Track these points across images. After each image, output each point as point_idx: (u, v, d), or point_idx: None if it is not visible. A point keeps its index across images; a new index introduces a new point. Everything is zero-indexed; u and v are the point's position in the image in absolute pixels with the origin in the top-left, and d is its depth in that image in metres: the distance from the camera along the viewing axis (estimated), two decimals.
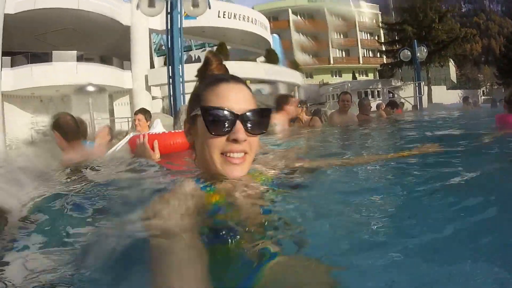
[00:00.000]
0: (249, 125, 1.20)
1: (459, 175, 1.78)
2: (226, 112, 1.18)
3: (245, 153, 1.23)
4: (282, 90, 27.00)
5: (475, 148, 3.02)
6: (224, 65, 1.32)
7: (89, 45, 23.03)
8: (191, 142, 1.34)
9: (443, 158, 2.18)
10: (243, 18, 25.98)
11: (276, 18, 48.74)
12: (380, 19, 48.79)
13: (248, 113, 1.19)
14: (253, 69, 25.50)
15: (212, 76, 1.32)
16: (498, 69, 47.64)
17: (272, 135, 4.68)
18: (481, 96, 38.89)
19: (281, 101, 5.18)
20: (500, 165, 2.30)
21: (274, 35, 33.00)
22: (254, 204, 1.26)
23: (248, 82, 26.79)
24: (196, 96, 1.29)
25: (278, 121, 4.91)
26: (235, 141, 1.19)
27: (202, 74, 1.34)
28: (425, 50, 23.12)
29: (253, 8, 33.89)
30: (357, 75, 48.37)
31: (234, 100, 1.21)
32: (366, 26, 52.64)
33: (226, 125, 1.19)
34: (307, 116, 6.52)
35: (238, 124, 1.19)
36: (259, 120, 1.24)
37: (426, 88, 31.96)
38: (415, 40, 24.06)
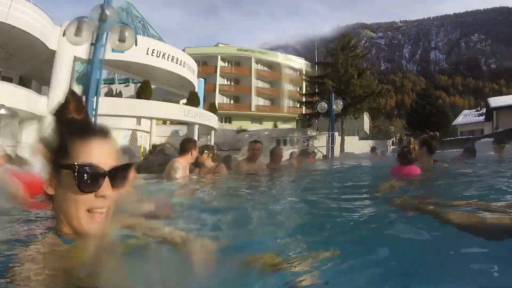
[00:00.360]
0: (115, 180, 1.22)
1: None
2: (96, 169, 1.19)
3: (108, 208, 1.25)
4: (198, 132, 27.52)
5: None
6: (84, 107, 1.30)
7: (9, 63, 22.25)
8: (51, 194, 1.28)
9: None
10: (172, 59, 25.64)
11: (205, 63, 49.81)
12: (304, 72, 51.50)
13: (114, 169, 1.21)
14: (175, 110, 25.70)
15: (78, 124, 1.27)
16: (408, 122, 51.70)
17: (172, 179, 4.90)
18: (390, 146, 41.08)
19: (186, 145, 5.25)
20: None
21: (200, 79, 33.10)
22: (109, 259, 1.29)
23: (168, 122, 27.34)
24: (62, 146, 1.23)
25: (180, 165, 5.07)
26: (103, 197, 1.21)
27: (60, 114, 1.24)
28: (340, 103, 23.99)
29: (183, 50, 33.75)
30: (278, 123, 49.61)
31: (103, 155, 1.23)
32: (291, 78, 54.82)
33: (96, 182, 1.20)
34: (212, 163, 6.38)
35: (107, 180, 1.21)
36: (123, 175, 1.27)
37: (339, 138, 33.59)
38: (333, 94, 25.22)
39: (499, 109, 45.95)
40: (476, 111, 65.32)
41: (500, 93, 73.83)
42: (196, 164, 5.99)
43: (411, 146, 4.57)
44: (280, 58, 55.76)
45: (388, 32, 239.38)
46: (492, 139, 20.40)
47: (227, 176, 6.11)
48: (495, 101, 49.17)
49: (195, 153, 5.28)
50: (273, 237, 1.85)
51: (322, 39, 47.62)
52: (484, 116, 54.59)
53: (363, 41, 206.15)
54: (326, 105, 23.80)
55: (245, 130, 40.77)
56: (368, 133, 54.79)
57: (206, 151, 6.25)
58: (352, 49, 38.03)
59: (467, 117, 62.63)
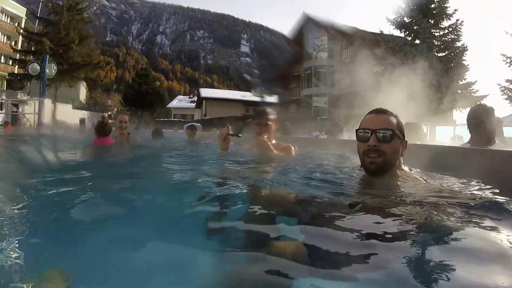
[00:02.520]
0: None
1: None
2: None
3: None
4: None
5: None
6: None
7: None
8: None
9: None
10: None
11: None
12: (22, 25, 44.81)
13: None
14: None
15: None
16: (124, 98, 52.69)
17: None
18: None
19: None
20: None
21: None
22: None
23: None
24: None
25: None
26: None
27: None
28: (54, 68, 22.65)
29: None
30: None
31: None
32: (5, 28, 46.59)
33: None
34: None
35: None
36: None
37: (52, 105, 31.54)
38: (47, 56, 23.43)
39: (208, 99, 51.24)
40: (189, 98, 71.43)
41: (211, 86, 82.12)
42: None
43: (105, 120, 5.52)
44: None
45: (122, 5, 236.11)
46: (199, 124, 22.75)
47: None
48: (206, 92, 54.88)
49: None
50: None
51: None
52: (195, 104, 60.44)
53: (94, 7, 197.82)
54: (38, 67, 22.06)
55: None
56: (84, 103, 53.20)
57: None
58: (79, 12, 35.25)
59: (181, 102, 68.07)
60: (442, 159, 2.73)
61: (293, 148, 3.71)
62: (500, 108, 22.54)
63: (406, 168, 2.19)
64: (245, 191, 2.06)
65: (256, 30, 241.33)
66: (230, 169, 3.08)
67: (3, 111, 26.16)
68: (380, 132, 1.99)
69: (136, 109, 48.96)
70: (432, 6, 25.01)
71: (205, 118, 44.84)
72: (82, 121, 16.94)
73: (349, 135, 6.73)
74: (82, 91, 47.65)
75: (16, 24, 43.10)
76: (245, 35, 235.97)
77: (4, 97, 29.77)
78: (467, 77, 24.57)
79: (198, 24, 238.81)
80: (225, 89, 73.48)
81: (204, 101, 52.27)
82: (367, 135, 2.02)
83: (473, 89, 24.27)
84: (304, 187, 2.17)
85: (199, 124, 22.17)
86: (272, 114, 3.74)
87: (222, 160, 3.55)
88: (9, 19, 47.78)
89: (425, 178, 2.12)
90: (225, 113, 39.74)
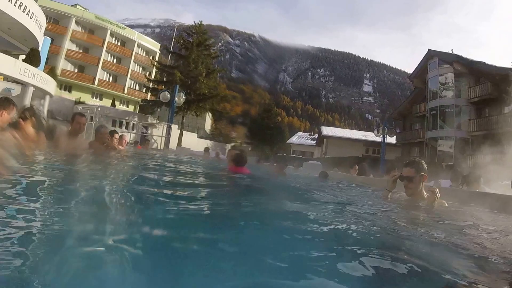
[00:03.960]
0: None
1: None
2: None
3: None
4: (32, 95, 24.00)
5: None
6: None
7: None
8: None
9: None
10: (20, 5, 21.36)
11: (57, 22, 45.08)
12: (156, 58, 49.54)
13: None
14: (10, 65, 21.37)
15: None
16: (249, 131, 54.02)
17: None
18: (228, 149, 42.01)
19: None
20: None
21: (47, 37, 29.91)
22: None
23: (1, 78, 23.15)
24: None
25: None
26: None
27: None
28: (183, 97, 23.88)
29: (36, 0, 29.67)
30: (117, 103, 46.91)
31: None
32: (141, 60, 52.83)
33: None
34: (32, 128, 5.35)
35: None
36: None
37: (178, 131, 33.39)
38: (177, 86, 24.69)
39: (329, 137, 50.70)
40: (309, 135, 71.24)
41: (332, 125, 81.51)
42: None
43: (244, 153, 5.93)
44: (136, 36, 53.21)
45: (245, 43, 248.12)
46: (319, 163, 21.94)
47: (43, 148, 5.16)
48: (327, 130, 54.26)
49: (6, 115, 4.38)
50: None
51: (182, 29, 45.99)
52: (315, 141, 59.94)
53: (220, 44, 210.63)
54: (169, 95, 23.66)
55: (83, 103, 36.97)
56: (208, 133, 55.53)
57: (24, 114, 4.98)
58: (207, 48, 37.94)
59: (301, 138, 68.01)
60: None
61: (445, 202, 3.70)
62: None
63: None
64: None
65: (378, 69, 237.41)
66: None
67: (134, 131, 28.10)
68: None
69: (258, 142, 50.01)
70: None
71: (325, 156, 44.05)
72: (206, 149, 17.64)
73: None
74: (208, 122, 49.97)
75: (151, 58, 47.53)
76: (368, 74, 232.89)
77: (136, 119, 32.11)
78: None
79: (319, 63, 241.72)
80: (346, 128, 72.18)
81: (325, 139, 51.79)
82: None
83: None
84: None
85: (319, 163, 21.43)
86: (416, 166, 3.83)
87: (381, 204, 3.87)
88: (144, 52, 53.68)
89: None
90: (345, 153, 39.31)
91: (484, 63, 31.71)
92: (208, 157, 15.47)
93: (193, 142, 35.68)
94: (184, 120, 36.40)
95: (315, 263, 1.62)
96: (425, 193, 3.78)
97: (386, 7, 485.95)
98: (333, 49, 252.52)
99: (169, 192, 3.45)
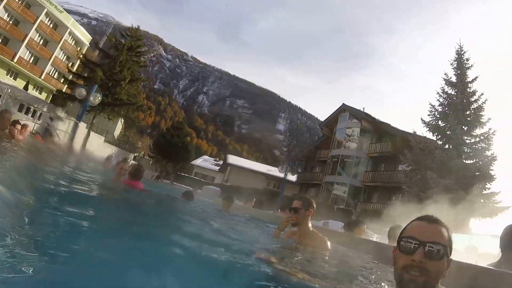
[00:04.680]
0: None
1: None
2: None
3: None
4: None
5: None
6: None
7: None
8: None
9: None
10: None
11: None
12: (84, 51, 47.05)
13: None
14: None
15: None
16: (155, 144, 53.61)
17: None
18: (131, 159, 41.00)
19: None
20: None
21: None
22: None
23: None
24: None
25: None
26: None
27: None
28: (99, 98, 23.36)
29: None
30: (31, 87, 44.17)
31: None
32: (68, 49, 50.58)
33: None
34: None
35: None
36: None
37: (86, 131, 31.57)
38: (96, 85, 24.18)
39: (233, 166, 52.16)
40: (215, 160, 72.19)
41: (239, 155, 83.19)
42: None
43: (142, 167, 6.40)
44: (71, 24, 50.91)
45: (177, 59, 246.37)
46: (219, 189, 22.67)
47: None
48: (233, 159, 55.51)
49: None
50: None
51: (119, 29, 44.77)
52: (219, 167, 60.87)
53: (152, 54, 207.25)
54: (85, 93, 22.71)
55: None
56: (116, 139, 54.12)
57: None
58: (138, 54, 36.72)
59: (206, 162, 68.57)
60: (472, 281, 2.49)
61: (328, 242, 3.93)
62: None
63: None
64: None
65: (294, 111, 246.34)
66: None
67: (40, 121, 26.75)
68: (431, 247, 1.67)
69: (162, 158, 49.79)
70: (467, 113, 25.59)
71: (225, 183, 44.93)
72: (109, 157, 16.84)
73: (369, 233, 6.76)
74: (118, 127, 48.73)
75: (78, 49, 45.43)
76: (283, 114, 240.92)
77: (45, 109, 30.58)
78: (492, 186, 24.28)
79: (240, 93, 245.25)
80: (253, 160, 73.90)
81: (228, 167, 52.81)
82: (414, 247, 1.68)
83: (496, 200, 23.91)
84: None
85: (218, 189, 22.12)
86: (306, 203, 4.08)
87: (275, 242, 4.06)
88: (74, 42, 51.68)
89: None
90: (247, 183, 39.95)
91: (388, 125, 35.52)
92: (109, 166, 14.54)
93: (99, 145, 34.28)
94: (94, 121, 34.59)
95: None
96: (311, 227, 4.02)
97: (322, 56, 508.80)
98: (257, 84, 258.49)
99: (49, 196, 3.41)
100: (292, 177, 39.71)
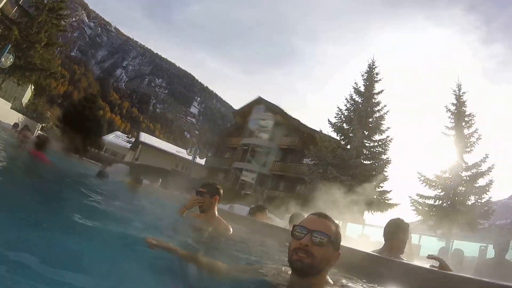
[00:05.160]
0: None
1: None
2: None
3: None
4: None
5: None
6: None
7: None
8: None
9: None
10: None
11: None
12: (1, 5, 42.53)
13: None
14: None
15: None
16: (64, 115, 50.82)
17: None
18: (39, 129, 38.67)
19: None
20: None
21: None
22: None
23: None
24: None
25: None
26: None
27: None
28: (11, 59, 22.00)
29: None
30: None
31: None
32: None
33: None
34: None
35: None
36: None
37: None
38: (9, 45, 22.75)
39: (145, 145, 51.38)
40: (127, 137, 70.60)
41: (152, 134, 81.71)
42: None
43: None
44: None
45: (99, 28, 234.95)
46: (126, 166, 22.58)
47: None
48: (145, 137, 54.67)
49: None
50: None
51: None
52: (131, 145, 60.34)
53: (73, 19, 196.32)
54: None
55: None
56: (24, 107, 50.95)
57: None
58: (58, 17, 33.92)
59: (117, 138, 66.86)
60: (361, 263, 2.88)
61: (231, 229, 4.16)
62: (408, 216, 25.13)
63: (330, 280, 2.07)
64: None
65: (210, 97, 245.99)
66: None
67: None
68: (316, 235, 1.95)
69: (71, 130, 47.39)
70: (370, 120, 28.19)
71: (136, 162, 44.48)
72: (15, 125, 16.80)
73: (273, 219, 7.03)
74: (27, 94, 45.82)
75: None
76: (199, 98, 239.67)
77: None
78: (384, 185, 27.45)
79: (160, 72, 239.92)
80: (165, 140, 73.18)
81: (140, 145, 52.07)
82: (303, 234, 1.97)
83: (387, 197, 27.09)
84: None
85: (127, 166, 22.00)
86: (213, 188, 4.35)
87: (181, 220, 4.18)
88: None
89: None
90: (156, 163, 40.10)
91: (299, 121, 37.52)
92: (14, 134, 13.61)
93: (4, 111, 31.09)
94: (2, 85, 32.25)
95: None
96: (216, 212, 4.23)
97: (245, 47, 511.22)
98: (177, 65, 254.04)
99: None
100: (201, 161, 40.85)
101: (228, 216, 4.41)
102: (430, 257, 3.11)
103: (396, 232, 3.86)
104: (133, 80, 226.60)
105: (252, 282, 2.05)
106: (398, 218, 4.02)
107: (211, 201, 4.21)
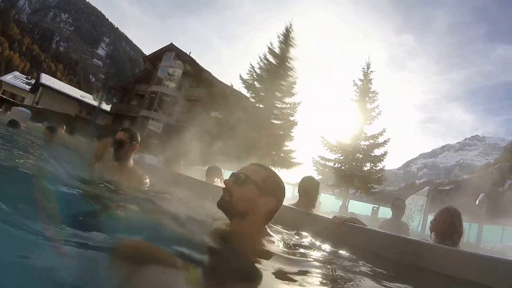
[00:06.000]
0: None
1: None
2: None
3: None
4: None
5: None
6: None
7: None
8: None
9: None
10: None
11: None
12: None
13: None
14: None
15: None
16: None
17: None
18: None
19: None
20: None
21: None
22: None
23: None
24: None
25: None
26: None
27: None
28: None
29: None
30: None
31: None
32: None
33: None
34: None
35: None
36: None
37: None
38: None
39: (47, 87, 48.44)
40: (26, 78, 66.47)
41: (53, 75, 76.74)
42: None
43: None
44: None
45: None
46: (29, 111, 22.62)
47: None
48: (47, 79, 51.45)
49: None
50: None
51: None
52: (31, 87, 56.39)
53: None
54: None
55: None
56: None
57: None
58: None
59: (16, 79, 63.10)
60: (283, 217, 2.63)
61: (147, 179, 3.80)
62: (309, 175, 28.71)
63: (271, 232, 2.06)
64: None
65: (119, 38, 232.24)
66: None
67: None
68: (236, 176, 1.98)
69: None
70: (283, 82, 29.06)
71: (37, 106, 42.79)
72: None
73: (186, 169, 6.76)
74: None
75: None
76: (107, 39, 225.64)
77: None
78: (290, 145, 29.63)
79: (67, 7, 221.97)
80: (67, 83, 69.44)
81: (41, 88, 49.02)
82: (230, 177, 2.03)
83: (292, 156, 29.34)
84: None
85: (29, 111, 22.19)
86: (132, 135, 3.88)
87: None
88: None
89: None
90: (59, 108, 39.08)
91: (210, 73, 37.94)
92: None
93: None
94: None
95: None
96: (132, 162, 3.83)
97: None
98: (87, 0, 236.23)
99: None
100: (106, 107, 39.74)
101: (143, 167, 4.03)
102: (346, 220, 2.81)
103: (311, 190, 4.32)
104: (36, 12, 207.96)
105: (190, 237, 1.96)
106: (311, 176, 4.49)
107: (130, 148, 3.77)
